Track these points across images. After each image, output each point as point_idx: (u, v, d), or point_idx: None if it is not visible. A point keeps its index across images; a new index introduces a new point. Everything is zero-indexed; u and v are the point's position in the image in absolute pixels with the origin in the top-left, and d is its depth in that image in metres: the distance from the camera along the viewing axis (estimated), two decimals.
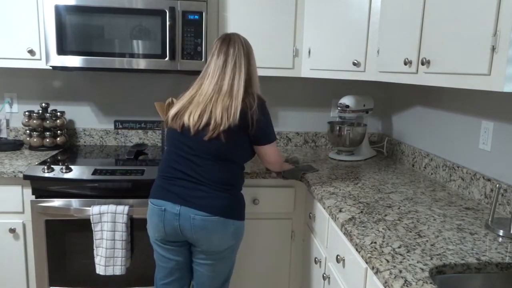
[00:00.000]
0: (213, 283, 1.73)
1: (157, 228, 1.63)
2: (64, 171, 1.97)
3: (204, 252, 1.64)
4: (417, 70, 1.63)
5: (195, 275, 1.74)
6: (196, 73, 2.17)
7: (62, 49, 2.08)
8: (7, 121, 2.56)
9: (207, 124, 1.58)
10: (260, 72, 2.30)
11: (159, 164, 1.73)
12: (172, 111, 1.67)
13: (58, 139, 2.44)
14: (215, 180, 1.61)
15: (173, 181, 1.62)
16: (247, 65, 1.69)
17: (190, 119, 1.60)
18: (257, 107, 1.62)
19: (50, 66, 2.10)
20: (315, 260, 1.81)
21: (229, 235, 1.62)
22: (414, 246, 1.25)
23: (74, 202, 1.95)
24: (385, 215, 1.52)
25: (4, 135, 2.56)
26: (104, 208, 1.90)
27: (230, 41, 1.68)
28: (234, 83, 1.63)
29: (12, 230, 2.01)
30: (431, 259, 1.17)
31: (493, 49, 1.20)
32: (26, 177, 1.94)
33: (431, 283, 1.04)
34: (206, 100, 1.61)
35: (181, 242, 1.66)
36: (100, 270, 1.92)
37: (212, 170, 1.61)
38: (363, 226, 1.40)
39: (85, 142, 2.62)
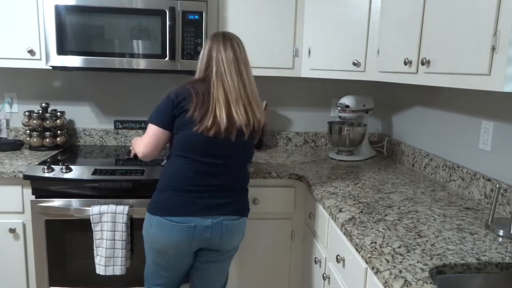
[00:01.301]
0: (218, 283, 1.74)
1: (178, 244, 1.54)
2: (64, 171, 1.97)
3: (219, 251, 1.64)
4: (417, 70, 1.63)
5: (199, 277, 1.71)
6: None
7: (62, 49, 2.08)
8: (7, 121, 2.56)
9: (248, 122, 1.55)
10: (260, 72, 2.32)
11: (166, 173, 1.59)
12: (223, 115, 1.52)
13: (58, 139, 2.44)
14: (241, 185, 1.63)
15: (199, 194, 1.54)
16: (249, 63, 1.65)
17: (240, 117, 1.53)
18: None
19: (50, 66, 2.10)
20: (315, 260, 1.81)
21: (244, 231, 1.67)
22: (414, 246, 1.25)
23: (74, 202, 1.95)
24: (385, 215, 1.52)
25: (4, 135, 2.56)
26: (104, 208, 1.90)
27: (231, 37, 1.62)
28: (251, 79, 1.61)
29: (12, 230, 2.01)
30: (431, 259, 1.17)
31: (493, 49, 1.20)
32: (26, 177, 1.94)
33: (431, 283, 1.04)
34: (241, 97, 1.55)
35: (194, 250, 1.62)
36: (100, 270, 1.92)
37: (240, 175, 1.62)
38: (363, 226, 1.40)
39: (85, 142, 2.62)
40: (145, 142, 1.60)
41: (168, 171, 1.59)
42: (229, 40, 1.60)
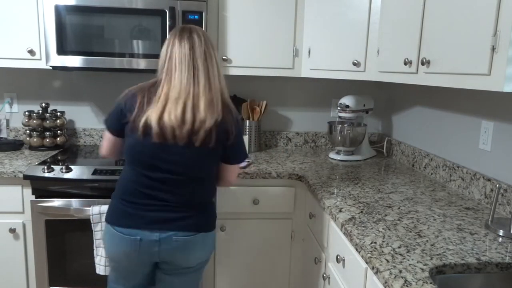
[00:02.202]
0: None
1: (128, 256, 1.45)
2: (64, 171, 1.96)
3: (178, 267, 1.52)
4: (417, 70, 1.63)
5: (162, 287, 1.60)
6: None
7: (62, 49, 2.08)
8: (7, 121, 2.56)
9: (192, 126, 1.37)
10: (260, 72, 2.32)
11: (119, 181, 1.50)
12: (152, 116, 1.36)
13: (58, 139, 2.44)
14: (200, 200, 1.49)
15: (146, 207, 1.43)
16: (215, 58, 1.46)
17: (171, 118, 1.35)
18: (238, 118, 1.48)
19: (50, 66, 2.10)
20: (315, 260, 1.81)
21: (208, 247, 1.54)
22: (414, 246, 1.25)
23: (74, 202, 1.95)
24: (385, 215, 1.52)
25: (4, 135, 2.56)
26: (104, 208, 1.89)
27: (191, 29, 1.45)
28: (210, 75, 1.42)
29: (12, 230, 2.01)
30: (431, 259, 1.17)
31: (493, 49, 1.20)
32: (26, 177, 1.94)
33: (431, 283, 1.04)
34: (185, 94, 1.38)
35: (148, 267, 1.52)
36: (100, 270, 1.92)
37: (197, 190, 1.47)
38: (363, 226, 1.40)
39: (85, 142, 2.62)
40: (103, 144, 1.56)
41: (120, 180, 1.51)
42: (188, 32, 1.44)
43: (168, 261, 1.49)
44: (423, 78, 1.59)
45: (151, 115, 1.37)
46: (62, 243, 1.99)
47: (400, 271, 1.09)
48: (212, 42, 1.48)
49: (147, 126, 1.37)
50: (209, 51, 1.44)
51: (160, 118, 1.36)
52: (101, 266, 1.92)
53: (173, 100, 1.37)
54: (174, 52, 1.42)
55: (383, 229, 1.38)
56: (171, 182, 1.43)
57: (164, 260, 1.49)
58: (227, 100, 1.48)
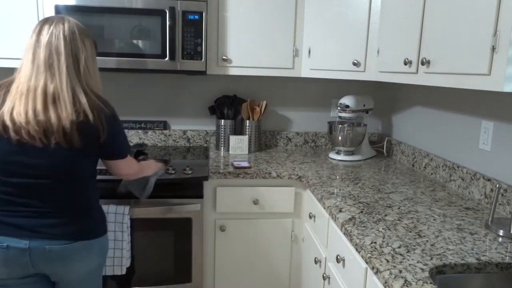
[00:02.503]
0: None
1: None
2: None
3: (62, 280, 1.41)
4: (417, 70, 1.63)
5: None
6: (196, 73, 2.19)
7: None
8: None
9: (47, 124, 1.26)
10: (260, 72, 2.32)
11: None
12: (5, 113, 1.26)
13: None
14: (74, 207, 1.37)
15: (10, 213, 1.31)
16: (80, 52, 1.34)
17: (21, 115, 1.24)
18: (110, 113, 1.36)
19: None
20: (315, 260, 1.81)
21: (94, 256, 1.42)
22: (414, 246, 1.25)
23: None
24: (385, 215, 1.52)
25: None
26: (104, 208, 1.89)
27: (56, 20, 1.34)
28: (69, 70, 1.31)
29: None
30: (431, 259, 1.17)
31: (493, 49, 1.20)
32: None
33: (431, 283, 1.04)
34: (34, 89, 1.27)
35: (34, 275, 1.37)
36: None
37: (71, 194, 1.35)
38: (363, 226, 1.40)
39: None
40: None
41: None
42: (50, 23, 1.32)
43: (48, 274, 1.37)
44: (423, 78, 1.59)
45: (4, 112, 1.26)
46: None
47: (400, 271, 1.09)
48: (82, 35, 1.36)
49: (3, 124, 1.26)
50: (70, 44, 1.32)
51: (11, 114, 1.25)
52: None
53: (20, 96, 1.26)
54: (29, 45, 1.31)
55: (383, 229, 1.38)
56: (37, 187, 1.31)
57: (44, 272, 1.37)
58: (94, 94, 1.36)
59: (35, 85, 1.28)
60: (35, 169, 1.30)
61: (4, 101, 1.28)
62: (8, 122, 1.25)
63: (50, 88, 1.28)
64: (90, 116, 1.30)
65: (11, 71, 2.51)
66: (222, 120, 2.51)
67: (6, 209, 1.32)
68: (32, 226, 1.31)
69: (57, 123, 1.26)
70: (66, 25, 1.33)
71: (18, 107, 1.26)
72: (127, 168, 1.53)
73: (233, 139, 2.47)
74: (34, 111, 1.26)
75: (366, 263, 1.21)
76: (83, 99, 1.30)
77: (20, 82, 1.29)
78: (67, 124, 1.27)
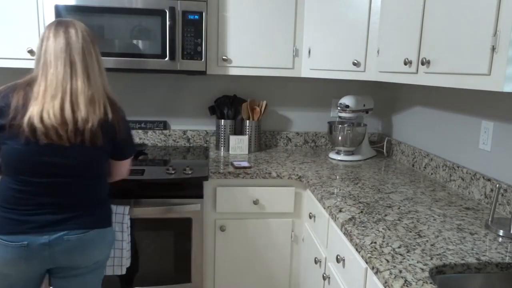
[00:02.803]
0: None
1: (14, 265, 1.34)
2: None
3: (75, 268, 1.45)
4: (417, 70, 1.63)
5: None
6: (196, 73, 2.19)
7: None
8: None
9: (75, 125, 1.31)
10: (260, 72, 2.32)
11: None
12: (34, 115, 1.27)
13: None
14: (89, 201, 1.43)
15: (30, 212, 1.35)
16: (96, 54, 1.42)
17: (51, 117, 1.28)
18: (123, 114, 1.46)
19: None
20: (315, 260, 1.81)
21: (106, 244, 1.48)
22: (414, 246, 1.25)
23: None
24: (385, 215, 1.52)
25: None
26: None
27: (68, 23, 1.39)
28: (90, 72, 1.37)
29: None
30: (431, 259, 1.17)
31: (493, 49, 1.20)
32: None
33: (431, 283, 1.04)
34: (62, 91, 1.31)
35: (38, 274, 1.43)
36: None
37: (86, 190, 1.41)
38: (363, 226, 1.40)
39: None
40: None
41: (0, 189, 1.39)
42: (64, 26, 1.37)
43: (63, 265, 1.42)
44: (423, 78, 1.59)
45: (33, 114, 1.28)
46: None
47: (400, 271, 1.09)
48: (93, 38, 1.43)
49: (31, 127, 1.28)
50: (87, 46, 1.39)
51: (42, 117, 1.28)
52: None
53: (50, 98, 1.30)
54: (50, 46, 1.34)
55: (383, 229, 1.38)
56: (59, 185, 1.36)
57: (59, 265, 1.41)
58: (110, 96, 1.45)
59: (70, 87, 1.33)
60: (61, 168, 1.35)
61: (26, 102, 1.30)
62: (38, 124, 1.28)
63: (75, 90, 1.33)
64: (110, 115, 1.39)
65: (11, 71, 2.51)
66: (222, 120, 2.52)
67: (28, 208, 1.35)
68: (53, 222, 1.36)
69: (83, 125, 1.32)
70: (79, 29, 1.39)
71: (49, 108, 1.29)
72: (126, 170, 1.61)
73: (233, 139, 2.47)
74: (62, 112, 1.30)
75: (366, 263, 1.21)
76: (102, 101, 1.39)
77: (48, 84, 1.31)
78: (95, 123, 1.34)
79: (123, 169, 1.57)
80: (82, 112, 1.32)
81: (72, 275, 1.47)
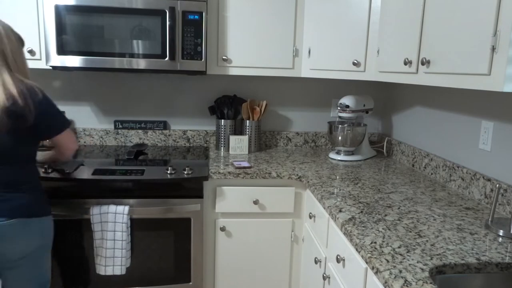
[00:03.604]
0: None
1: None
2: (64, 171, 1.96)
3: (8, 260, 1.47)
4: (417, 70, 1.63)
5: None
6: (196, 73, 2.19)
7: (62, 49, 2.08)
8: None
9: None
10: (260, 72, 2.32)
11: None
12: None
13: None
14: (16, 182, 1.47)
15: None
16: (2, 45, 1.48)
17: None
18: (39, 95, 1.50)
19: (50, 66, 2.10)
20: (315, 260, 1.81)
21: (35, 236, 1.50)
22: (414, 246, 1.25)
23: (74, 202, 1.95)
24: (385, 215, 1.52)
25: None
26: (104, 208, 1.90)
27: None
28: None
29: None
30: (431, 259, 1.17)
31: (493, 49, 1.20)
32: None
33: (431, 283, 1.04)
34: None
35: None
36: (100, 270, 1.92)
37: (8, 171, 1.46)
38: (363, 226, 1.40)
39: (85, 142, 2.62)
40: None
41: None
42: None
43: None
44: (423, 78, 1.59)
45: None
46: (62, 243, 1.99)
47: (400, 271, 1.09)
48: (10, 30, 1.51)
49: None
50: (1, 39, 1.47)
51: None
52: (101, 266, 1.92)
53: None
54: None
55: (383, 229, 1.38)
56: None
57: None
58: (23, 82, 1.49)
59: None
60: None
61: None
62: None
63: None
64: (19, 101, 1.43)
65: None
66: (222, 120, 2.52)
67: None
68: None
69: None
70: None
71: None
72: (67, 144, 1.65)
73: (233, 139, 2.47)
74: None
75: (366, 263, 1.21)
76: (11, 87, 1.43)
77: None
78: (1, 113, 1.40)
79: (61, 144, 1.63)
80: None
81: (7, 267, 1.48)
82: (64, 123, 1.62)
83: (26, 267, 1.52)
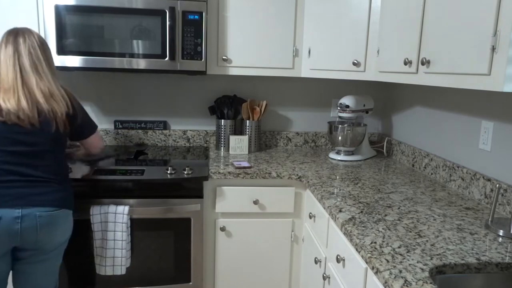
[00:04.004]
0: (46, 285, 1.63)
1: None
2: None
3: (40, 250, 1.56)
4: (417, 70, 1.63)
5: (21, 283, 1.61)
6: (196, 73, 2.19)
7: (62, 49, 2.08)
8: None
9: (19, 108, 1.51)
10: (260, 72, 2.32)
11: None
12: None
13: None
14: (54, 174, 1.58)
15: (3, 184, 1.49)
16: (45, 57, 1.62)
17: (7, 104, 1.50)
18: (76, 101, 1.69)
19: None
20: (315, 260, 1.81)
21: (69, 226, 1.64)
22: (414, 246, 1.26)
23: (74, 202, 1.95)
24: (385, 215, 1.52)
25: None
26: (104, 208, 1.90)
27: (17, 32, 1.60)
28: (40, 72, 1.58)
29: None
30: (431, 259, 1.17)
31: (493, 49, 1.20)
32: None
33: (431, 283, 1.04)
34: (15, 87, 1.53)
35: (5, 250, 1.52)
36: (100, 270, 1.92)
37: (52, 165, 1.58)
38: (363, 226, 1.40)
39: None
40: None
41: None
42: (13, 35, 1.59)
43: (30, 244, 1.53)
44: (423, 78, 1.59)
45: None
46: None
47: (400, 271, 1.09)
48: (41, 43, 1.63)
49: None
50: (35, 51, 1.59)
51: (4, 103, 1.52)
52: (101, 266, 1.92)
53: (4, 91, 1.52)
54: (1, 55, 1.57)
55: (383, 229, 1.38)
56: (25, 156, 1.53)
57: (25, 244, 1.52)
58: (63, 89, 1.66)
59: (14, 85, 1.53)
60: (28, 145, 1.54)
61: None
62: (5, 108, 1.51)
63: (30, 87, 1.55)
64: (70, 107, 1.64)
65: None
66: (222, 120, 2.52)
67: (3, 179, 1.49)
68: (25, 195, 1.50)
69: (52, 116, 1.56)
70: (27, 37, 1.60)
71: (5, 98, 1.51)
72: (96, 143, 1.88)
73: (233, 139, 2.47)
74: (18, 101, 1.52)
75: (366, 263, 1.21)
76: (59, 95, 1.61)
77: (2, 82, 1.53)
78: (60, 115, 1.59)
79: (92, 143, 1.84)
80: (45, 105, 1.55)
81: (38, 259, 1.58)
82: (94, 125, 1.85)
83: (54, 260, 1.63)
